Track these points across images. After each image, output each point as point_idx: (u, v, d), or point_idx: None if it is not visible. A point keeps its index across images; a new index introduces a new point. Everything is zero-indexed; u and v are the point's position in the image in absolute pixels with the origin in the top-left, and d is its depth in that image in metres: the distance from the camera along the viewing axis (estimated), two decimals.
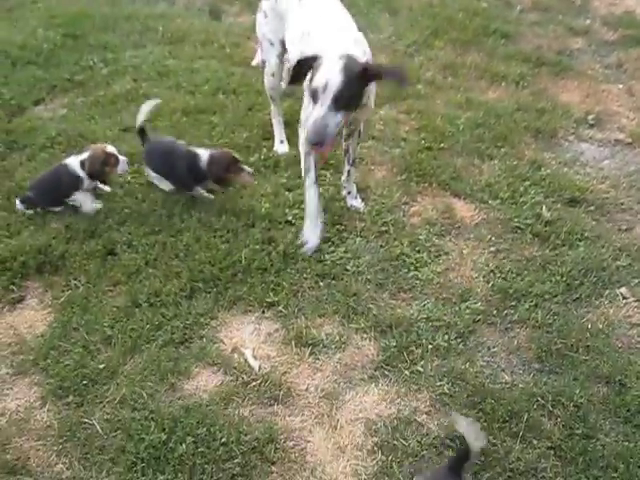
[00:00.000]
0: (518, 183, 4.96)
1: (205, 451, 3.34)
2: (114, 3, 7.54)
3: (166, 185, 4.70)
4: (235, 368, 3.75)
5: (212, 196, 4.74)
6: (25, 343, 3.91)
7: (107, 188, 4.79)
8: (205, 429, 3.42)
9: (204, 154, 4.55)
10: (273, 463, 3.33)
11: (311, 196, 4.37)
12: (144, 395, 3.60)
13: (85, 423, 3.50)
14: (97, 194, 4.76)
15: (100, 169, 4.51)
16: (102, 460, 3.35)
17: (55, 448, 3.42)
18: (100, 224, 4.59)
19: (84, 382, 3.68)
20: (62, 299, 4.14)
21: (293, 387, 3.67)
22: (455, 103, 5.83)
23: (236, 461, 3.31)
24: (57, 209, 4.63)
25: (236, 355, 3.83)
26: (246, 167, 4.60)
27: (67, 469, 3.33)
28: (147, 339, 3.88)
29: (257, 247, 4.38)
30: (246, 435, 3.41)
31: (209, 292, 4.14)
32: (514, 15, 7.38)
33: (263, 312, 4.08)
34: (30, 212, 4.60)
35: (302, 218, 4.49)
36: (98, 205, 4.66)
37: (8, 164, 5.12)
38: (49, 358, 3.80)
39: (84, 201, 4.60)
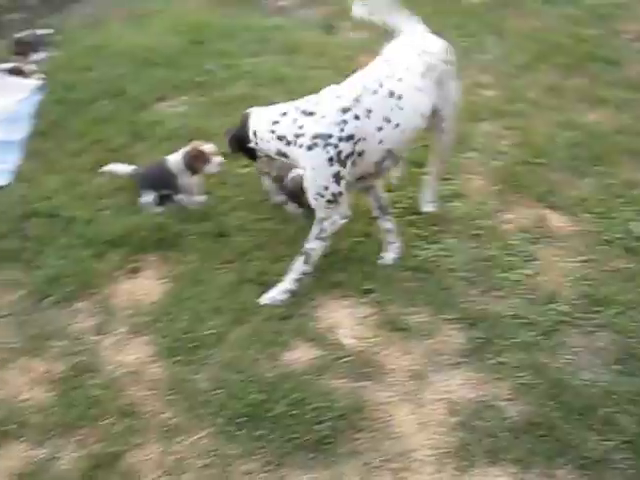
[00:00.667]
0: (611, 200, 5.11)
1: (298, 413, 3.62)
2: (233, 15, 8.00)
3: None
4: (329, 344, 4.04)
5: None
6: (141, 307, 4.30)
7: (201, 198, 5.16)
8: (299, 394, 3.69)
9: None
10: (359, 430, 3.59)
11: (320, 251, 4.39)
12: (246, 361, 3.91)
13: (191, 380, 3.82)
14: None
15: (192, 164, 4.90)
16: (205, 413, 3.68)
17: (163, 399, 3.76)
18: (212, 209, 4.96)
19: (193, 344, 4.01)
20: (177, 272, 4.50)
21: (383, 366, 3.94)
22: (555, 122, 6.02)
23: (325, 425, 3.57)
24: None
25: (330, 334, 4.10)
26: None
27: (174, 417, 3.67)
28: (252, 312, 4.21)
29: (356, 239, 4.65)
30: (336, 403, 3.66)
31: (313, 276, 4.43)
32: (619, 43, 7.51)
33: (359, 298, 4.34)
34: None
35: (399, 216, 4.77)
36: (202, 198, 5.07)
37: (133, 152, 5.56)
38: (162, 321, 4.17)
39: (188, 200, 5.04)
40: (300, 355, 4.00)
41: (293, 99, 4.32)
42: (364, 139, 4.05)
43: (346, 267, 4.51)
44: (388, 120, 4.12)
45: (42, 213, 5.01)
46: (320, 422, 3.59)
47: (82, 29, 7.56)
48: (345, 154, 4.00)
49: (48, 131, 5.98)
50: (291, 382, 3.78)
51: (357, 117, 4.02)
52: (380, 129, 4.11)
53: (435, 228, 4.88)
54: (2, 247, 4.75)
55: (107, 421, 3.66)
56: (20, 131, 5.94)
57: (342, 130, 3.98)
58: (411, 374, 3.88)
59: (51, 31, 6.97)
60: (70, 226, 4.88)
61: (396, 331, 4.15)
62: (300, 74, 6.60)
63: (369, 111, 4.06)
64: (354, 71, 5.99)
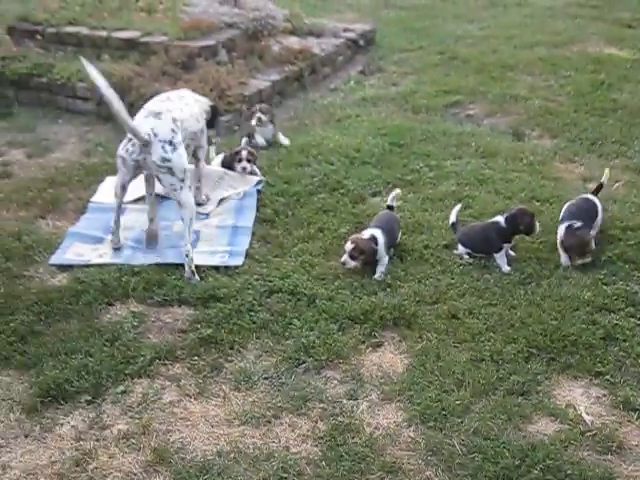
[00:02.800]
0: None
1: (552, 478, 3.90)
2: (429, 121, 8.62)
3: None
4: (571, 420, 4.35)
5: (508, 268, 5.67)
6: (388, 377, 4.72)
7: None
8: (551, 462, 3.99)
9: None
10: None
11: None
12: (495, 429, 4.26)
13: (446, 443, 4.18)
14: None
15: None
16: (463, 474, 4.01)
17: (423, 459, 4.13)
18: (443, 294, 5.41)
19: (443, 413, 4.38)
20: (417, 348, 4.93)
21: (624, 442, 4.19)
22: None
23: None
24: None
25: (570, 410, 4.40)
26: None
27: (435, 476, 4.02)
28: (493, 387, 4.57)
29: (583, 326, 4.98)
30: (587, 472, 3.94)
31: (543, 358, 4.78)
32: None
33: (591, 380, 4.63)
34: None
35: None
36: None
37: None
38: (411, 390, 4.57)
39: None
40: (543, 428, 4.31)
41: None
42: None
43: (575, 350, 4.83)
44: None
45: (284, 290, 5.52)
46: None
47: (290, 131, 8.27)
48: None
49: (274, 219, 6.57)
50: (541, 451, 4.08)
51: None
52: None
53: None
54: (252, 319, 5.24)
55: (374, 475, 4.02)
56: (248, 219, 6.55)
57: None
58: None
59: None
60: (313, 303, 5.35)
61: (632, 410, 4.40)
62: (502, 176, 7.04)
63: None
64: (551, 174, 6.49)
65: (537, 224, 5.74)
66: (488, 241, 5.77)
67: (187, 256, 5.78)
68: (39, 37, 10.32)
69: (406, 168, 7.30)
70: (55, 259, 6.13)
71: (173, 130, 5.76)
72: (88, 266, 5.99)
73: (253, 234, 6.34)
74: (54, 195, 7.15)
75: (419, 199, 6.71)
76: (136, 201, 6.82)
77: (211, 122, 6.83)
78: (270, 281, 5.66)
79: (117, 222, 6.22)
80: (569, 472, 3.96)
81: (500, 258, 5.72)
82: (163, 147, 5.65)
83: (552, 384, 4.63)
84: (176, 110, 6.03)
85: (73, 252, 6.22)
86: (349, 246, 5.62)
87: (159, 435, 4.37)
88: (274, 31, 10.60)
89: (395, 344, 5.03)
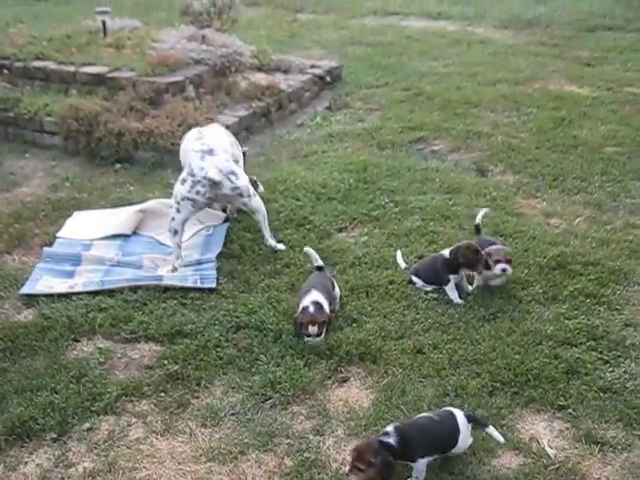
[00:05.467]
0: None
1: None
2: (394, 157, 8.74)
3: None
4: (534, 453, 4.42)
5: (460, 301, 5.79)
6: (355, 412, 4.76)
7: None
8: None
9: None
10: None
11: None
12: (459, 464, 4.31)
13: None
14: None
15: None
16: None
17: None
18: (408, 329, 5.48)
19: None
20: (383, 383, 4.98)
21: (587, 475, 4.26)
22: None
23: None
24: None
25: (534, 443, 4.47)
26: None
27: None
28: None
29: (546, 360, 5.07)
30: None
31: (507, 392, 4.85)
32: None
33: (554, 413, 4.71)
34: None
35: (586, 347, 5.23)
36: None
37: None
38: (378, 425, 4.60)
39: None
40: (507, 462, 4.37)
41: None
42: None
43: (538, 384, 4.91)
44: None
45: (251, 326, 5.55)
46: None
47: (257, 167, 8.34)
48: None
49: (241, 255, 6.62)
50: None
51: None
52: None
53: (615, 352, 5.20)
54: (219, 355, 5.26)
55: None
56: (213, 252, 6.59)
57: None
58: None
59: None
60: (279, 338, 5.40)
61: (593, 444, 4.48)
62: (466, 212, 7.16)
63: None
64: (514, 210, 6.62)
65: (482, 259, 5.78)
66: (436, 273, 5.90)
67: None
68: (6, 71, 10.32)
69: (372, 204, 7.39)
70: (25, 290, 6.12)
71: (228, 160, 6.41)
72: (59, 295, 6.05)
73: (219, 269, 6.33)
74: (20, 230, 7.15)
75: (384, 234, 6.80)
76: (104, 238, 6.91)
77: None
78: (237, 317, 5.70)
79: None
80: None
81: (450, 290, 5.85)
82: (229, 178, 6.27)
83: (516, 418, 4.69)
84: (219, 141, 6.67)
85: (44, 285, 6.20)
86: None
87: (125, 473, 4.37)
88: (241, 67, 10.70)
89: (361, 379, 5.07)
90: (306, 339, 5.34)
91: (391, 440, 4.12)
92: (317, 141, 9.37)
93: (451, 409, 4.40)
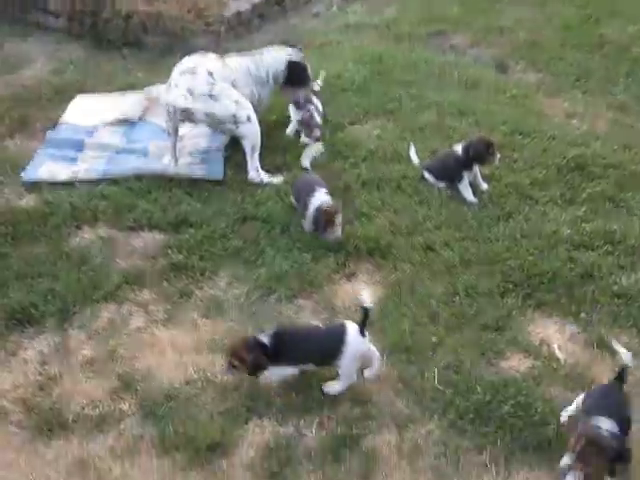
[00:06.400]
0: None
1: (523, 415, 3.88)
2: (411, 49, 8.38)
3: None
4: (544, 356, 4.30)
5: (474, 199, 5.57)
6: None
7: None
8: (523, 398, 3.94)
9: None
10: None
11: None
12: (467, 363, 4.20)
13: (418, 377, 4.12)
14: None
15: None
16: (434, 407, 3.98)
17: (394, 390, 4.08)
18: (419, 225, 5.29)
19: (416, 346, 4.31)
20: (391, 278, 4.84)
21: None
22: None
23: (551, 427, 3.80)
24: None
25: (544, 347, 4.35)
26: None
27: (405, 408, 3.97)
28: (467, 321, 4.50)
29: (561, 263, 4.90)
30: (558, 409, 3.89)
31: (519, 293, 4.70)
32: None
33: (566, 317, 4.57)
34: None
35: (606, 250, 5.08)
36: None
37: (334, 167, 5.94)
38: (384, 322, 4.48)
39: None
40: (516, 364, 4.27)
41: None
42: None
43: (551, 288, 4.74)
44: None
45: (258, 217, 5.38)
46: (545, 424, 3.82)
47: None
48: None
49: None
50: (513, 387, 4.03)
51: None
52: None
53: (631, 258, 5.02)
54: (225, 246, 5.11)
55: (344, 407, 3.97)
56: (223, 141, 6.34)
57: None
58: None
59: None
60: (287, 231, 5.24)
61: (605, 349, 4.34)
62: (484, 107, 6.88)
63: None
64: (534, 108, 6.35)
65: (496, 154, 5.58)
66: (448, 169, 5.69)
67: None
68: None
69: (387, 97, 7.09)
70: (27, 176, 5.93)
71: (212, 83, 5.81)
72: (62, 186, 5.84)
73: (227, 160, 6.11)
74: (22, 114, 6.92)
75: (398, 128, 6.55)
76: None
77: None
78: (244, 208, 5.51)
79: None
80: (540, 409, 3.92)
81: (463, 188, 5.64)
82: (204, 102, 5.79)
83: (527, 320, 4.58)
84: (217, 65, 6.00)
85: (46, 170, 6.02)
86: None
87: (125, 361, 4.29)
88: None
89: (369, 274, 4.95)
90: (328, 235, 5.13)
91: (267, 341, 3.98)
92: (333, 32, 8.99)
93: (346, 322, 4.14)
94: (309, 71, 6.44)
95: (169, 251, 5.10)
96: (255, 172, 5.87)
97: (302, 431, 3.88)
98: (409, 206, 5.52)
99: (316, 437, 3.84)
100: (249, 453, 3.76)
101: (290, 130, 6.49)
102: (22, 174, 5.96)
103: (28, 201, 5.69)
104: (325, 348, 4.04)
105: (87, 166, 6.08)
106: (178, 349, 4.33)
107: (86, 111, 6.78)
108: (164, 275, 4.90)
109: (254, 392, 4.07)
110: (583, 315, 4.60)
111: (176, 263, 4.98)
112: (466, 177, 5.59)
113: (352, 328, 4.01)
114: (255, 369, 3.96)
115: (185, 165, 6.04)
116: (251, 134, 5.90)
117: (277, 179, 5.87)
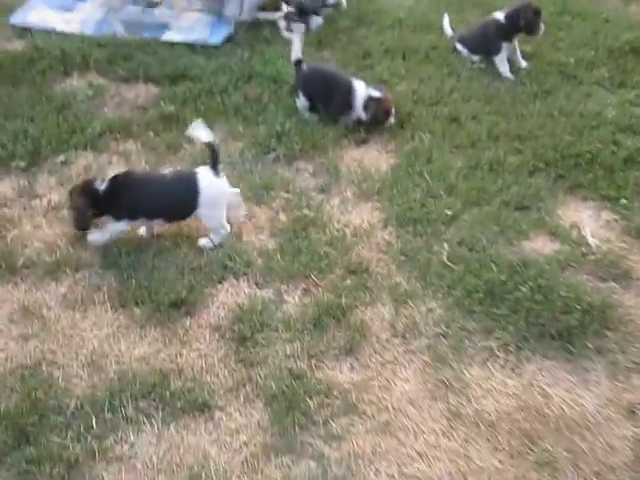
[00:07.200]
0: None
1: (542, 299, 3.30)
2: None
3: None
4: (572, 241, 3.70)
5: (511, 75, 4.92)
6: (369, 174, 4.05)
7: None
8: (544, 281, 3.36)
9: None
10: (609, 329, 3.24)
11: None
12: (483, 240, 3.62)
13: (424, 250, 3.55)
14: None
15: None
16: (439, 285, 3.41)
17: (395, 262, 3.53)
18: (445, 96, 4.67)
19: (426, 217, 3.74)
20: (407, 148, 4.25)
21: (631, 271, 3.56)
22: None
23: (574, 316, 3.22)
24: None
25: (574, 230, 3.74)
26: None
27: (405, 283, 3.41)
28: (488, 197, 3.91)
29: (602, 145, 4.27)
30: (585, 297, 3.31)
31: (550, 173, 4.10)
32: None
33: (603, 202, 3.96)
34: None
35: None
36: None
37: (356, 35, 5.31)
38: (393, 190, 3.90)
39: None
40: (540, 246, 3.68)
41: None
42: None
43: (589, 170, 4.11)
44: None
45: (265, 75, 4.81)
46: (568, 312, 3.25)
47: None
48: None
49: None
50: (534, 268, 3.46)
51: None
52: None
53: None
54: (224, 101, 4.54)
55: (335, 275, 3.41)
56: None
57: None
58: None
59: None
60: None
61: None
62: None
63: None
64: None
65: (542, 24, 4.92)
66: (486, 39, 5.02)
67: None
68: None
69: None
70: (15, 19, 5.37)
71: None
72: (53, 33, 5.28)
73: (236, 29, 5.47)
74: None
75: (434, 1, 5.83)
76: None
77: None
78: (251, 65, 4.91)
79: None
80: (563, 294, 3.33)
81: (500, 61, 4.99)
82: None
83: (557, 202, 3.98)
84: None
85: (37, 16, 5.45)
86: None
87: None
88: None
89: (383, 143, 4.37)
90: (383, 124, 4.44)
91: (102, 187, 3.41)
92: None
93: (198, 169, 3.55)
94: None
95: (161, 102, 4.53)
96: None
97: (283, 297, 3.34)
98: (436, 76, 4.93)
99: (298, 304, 3.28)
100: (219, 313, 3.23)
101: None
102: (10, 17, 5.36)
103: (16, 46, 5.13)
104: (175, 201, 3.50)
105: (83, 16, 5.47)
106: None
107: None
108: (152, 126, 4.38)
109: (234, 250, 3.51)
110: (623, 201, 3.94)
111: (167, 115, 4.44)
112: (505, 49, 4.93)
113: (205, 172, 3.48)
114: (78, 219, 3.43)
115: (187, 26, 5.45)
116: None
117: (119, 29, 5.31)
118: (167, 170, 3.83)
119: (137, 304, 3.25)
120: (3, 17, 5.43)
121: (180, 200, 3.47)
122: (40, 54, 4.98)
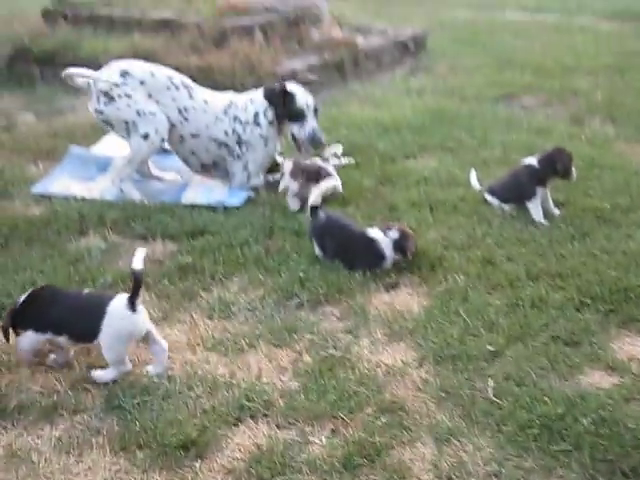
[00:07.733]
0: None
1: (608, 433, 2.87)
2: (477, 106, 7.67)
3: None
4: (633, 374, 3.28)
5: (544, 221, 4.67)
6: (401, 316, 3.73)
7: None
8: (607, 413, 2.95)
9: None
10: None
11: None
12: (533, 375, 3.24)
13: (466, 387, 3.17)
14: None
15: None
16: (486, 422, 3.01)
17: (434, 400, 3.14)
18: (477, 241, 4.46)
19: (466, 355, 3.38)
20: (440, 289, 3.95)
21: None
22: None
23: None
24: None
25: (634, 363, 3.35)
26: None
27: (447, 420, 3.01)
28: (533, 332, 3.56)
29: None
30: None
31: (598, 308, 3.76)
32: None
33: None
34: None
35: None
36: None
37: (380, 192, 5.18)
38: (427, 328, 3.56)
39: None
40: (598, 380, 3.28)
41: None
42: None
43: None
44: None
45: (287, 229, 4.61)
46: (638, 447, 2.78)
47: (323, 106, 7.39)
48: None
49: None
50: (594, 402, 3.06)
51: None
52: None
53: None
54: (245, 253, 4.32)
55: (366, 413, 3.01)
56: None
57: None
58: None
59: None
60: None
61: None
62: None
63: None
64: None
65: (574, 168, 4.77)
66: (519, 186, 4.83)
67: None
68: (71, 17, 9.69)
69: (447, 136, 6.42)
70: (37, 189, 5.31)
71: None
72: (73, 199, 5.20)
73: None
74: (52, 144, 6.33)
75: (458, 162, 5.76)
76: None
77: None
78: (272, 221, 4.73)
79: None
80: (631, 426, 2.88)
81: (534, 207, 4.78)
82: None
83: (610, 336, 3.61)
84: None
85: (59, 186, 5.38)
86: None
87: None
88: (317, 21, 9.84)
89: (413, 286, 4.07)
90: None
91: (20, 299, 3.30)
92: (393, 94, 8.34)
93: (117, 295, 3.29)
94: (300, 103, 5.39)
95: (178, 255, 4.30)
96: (120, 185, 5.30)
97: (308, 437, 2.92)
98: (466, 225, 4.71)
99: (325, 444, 2.86)
100: (234, 455, 2.80)
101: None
102: (32, 188, 5.32)
103: (34, 211, 5.02)
104: (80, 318, 3.22)
105: (106, 185, 5.40)
106: (169, 346, 3.43)
107: (118, 146, 6.06)
108: (167, 276, 4.10)
109: (252, 390, 3.13)
110: None
111: (184, 265, 4.21)
112: (539, 194, 4.72)
113: (119, 299, 3.20)
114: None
115: (205, 188, 5.43)
116: (135, 146, 5.31)
117: (136, 195, 5.22)
118: (88, 290, 3.56)
119: (140, 447, 2.84)
120: (24, 187, 5.32)
121: (85, 319, 3.21)
122: (57, 216, 4.82)
